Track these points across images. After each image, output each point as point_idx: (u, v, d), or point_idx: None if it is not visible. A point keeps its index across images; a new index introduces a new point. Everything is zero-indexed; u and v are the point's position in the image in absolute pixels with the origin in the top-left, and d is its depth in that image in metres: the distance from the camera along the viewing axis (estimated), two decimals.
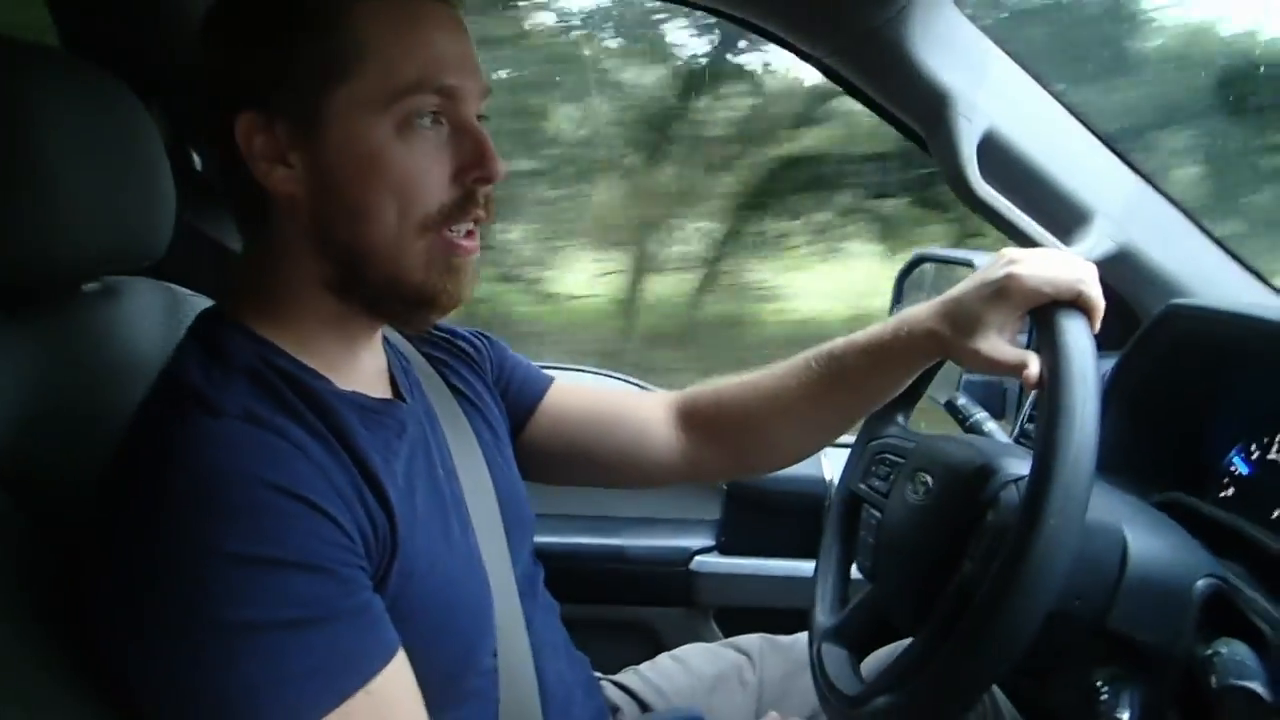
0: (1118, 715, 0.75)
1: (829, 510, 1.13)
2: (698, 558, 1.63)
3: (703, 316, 3.75)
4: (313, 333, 0.77)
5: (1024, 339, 0.95)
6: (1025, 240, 1.18)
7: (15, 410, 0.74)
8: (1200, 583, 0.78)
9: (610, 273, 3.76)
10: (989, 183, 1.16)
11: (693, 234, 3.79)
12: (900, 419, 1.10)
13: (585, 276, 3.83)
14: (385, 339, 0.89)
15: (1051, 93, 1.19)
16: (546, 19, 3.59)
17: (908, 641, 0.84)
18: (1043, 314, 0.81)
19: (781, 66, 3.66)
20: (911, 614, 0.89)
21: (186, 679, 0.61)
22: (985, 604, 0.69)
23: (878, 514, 1.02)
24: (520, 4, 3.45)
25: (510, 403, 1.04)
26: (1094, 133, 1.22)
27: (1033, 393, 0.88)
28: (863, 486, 1.08)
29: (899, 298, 1.54)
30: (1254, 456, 0.97)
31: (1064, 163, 1.19)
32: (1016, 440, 1.23)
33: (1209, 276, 1.22)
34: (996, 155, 1.16)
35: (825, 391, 0.99)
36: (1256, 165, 2.72)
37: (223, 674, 0.60)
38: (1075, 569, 0.69)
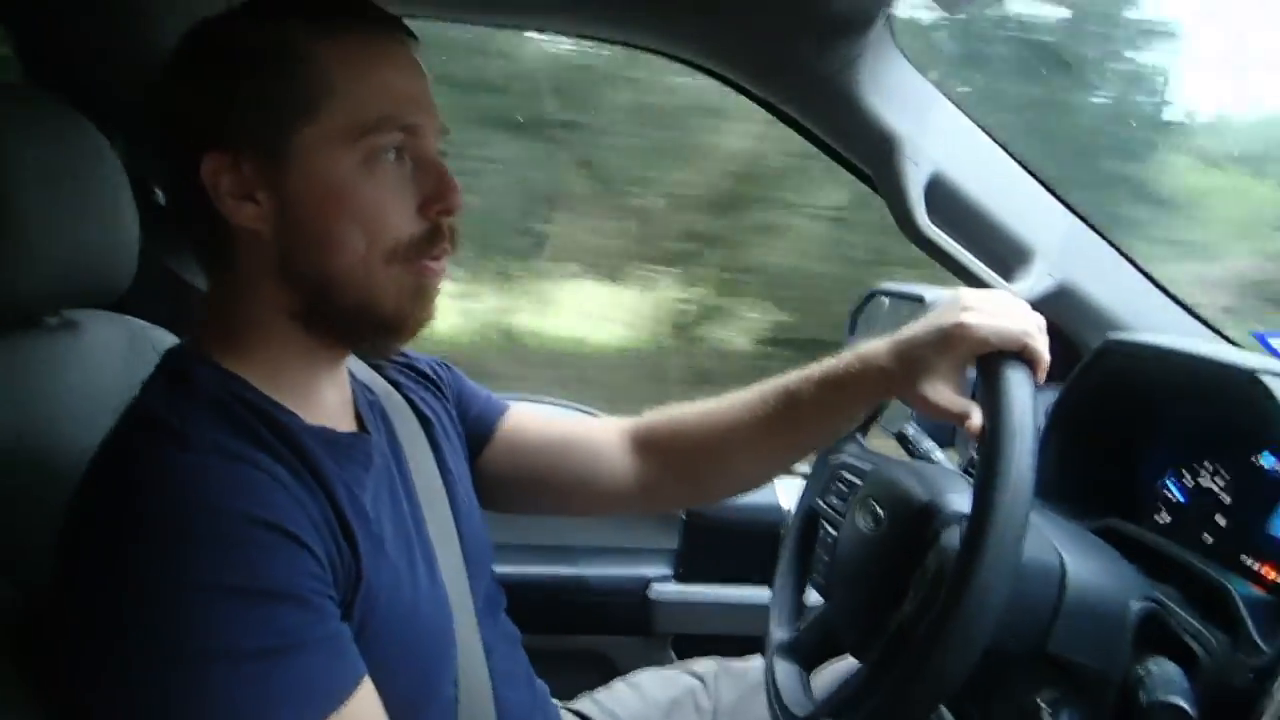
0: None
1: (785, 536, 1.16)
2: (655, 585, 1.65)
3: None
4: (280, 366, 0.78)
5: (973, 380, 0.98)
6: (970, 277, 1.23)
7: None
8: (1135, 605, 0.82)
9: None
10: (935, 223, 1.21)
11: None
12: (859, 437, 1.14)
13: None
14: (349, 371, 0.90)
15: (993, 138, 1.25)
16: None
17: (856, 664, 0.87)
18: (987, 364, 0.83)
19: None
20: (859, 639, 0.92)
21: (152, 709, 0.61)
22: (924, 645, 0.72)
23: (834, 531, 1.06)
24: None
25: (468, 430, 1.05)
26: (1033, 175, 1.27)
27: None
28: (821, 503, 1.11)
29: (852, 329, 1.59)
30: (1187, 483, 1.02)
31: (1006, 204, 1.25)
32: (965, 470, 1.27)
33: (1141, 310, 1.28)
34: (942, 197, 1.21)
35: (779, 422, 1.00)
36: None
37: (200, 704, 0.61)
38: (1013, 599, 0.72)
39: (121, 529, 0.63)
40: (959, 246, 1.22)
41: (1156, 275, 1.30)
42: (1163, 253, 2.77)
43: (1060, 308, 1.23)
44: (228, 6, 0.77)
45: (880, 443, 1.36)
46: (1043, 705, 0.80)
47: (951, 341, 0.86)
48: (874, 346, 0.94)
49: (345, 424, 0.84)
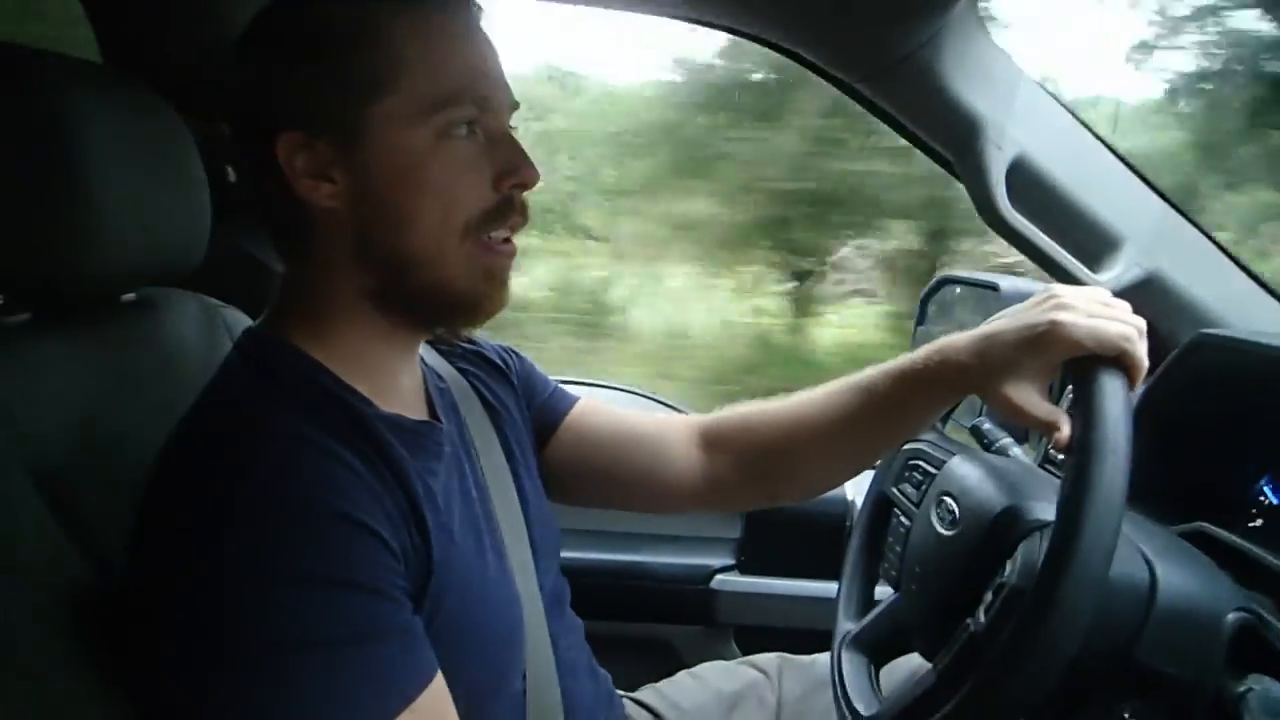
0: None
1: (852, 529, 1.14)
2: (718, 576, 1.63)
3: None
4: (356, 350, 0.78)
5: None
6: (1053, 266, 1.18)
7: (58, 418, 0.75)
8: (1230, 616, 0.78)
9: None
10: (1017, 209, 1.16)
11: None
12: (938, 425, 1.11)
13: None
14: (421, 358, 0.89)
15: (1080, 120, 1.19)
16: None
17: (926, 666, 0.85)
18: (1080, 369, 0.78)
19: None
20: (930, 640, 0.90)
21: (239, 696, 0.61)
22: (1001, 661, 0.69)
23: (907, 521, 1.03)
24: None
25: (535, 418, 1.04)
26: (1122, 159, 1.22)
27: None
28: (895, 491, 1.08)
29: (922, 319, 1.55)
30: None
31: (1093, 189, 1.19)
32: (1042, 464, 1.23)
33: (1237, 304, 1.21)
34: (1025, 182, 1.16)
35: (854, 420, 0.96)
36: None
37: (276, 692, 0.61)
38: (1099, 612, 0.69)
39: (203, 519, 0.63)
40: (1042, 234, 1.17)
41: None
42: None
43: (1149, 299, 1.17)
44: None
45: (953, 433, 1.33)
46: (1129, 717, 0.77)
47: (1042, 342, 0.81)
48: (955, 341, 0.89)
49: (417, 411, 0.84)
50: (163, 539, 0.65)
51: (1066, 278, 1.17)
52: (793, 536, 1.62)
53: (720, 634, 1.65)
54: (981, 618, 0.78)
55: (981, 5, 1.12)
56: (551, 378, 1.10)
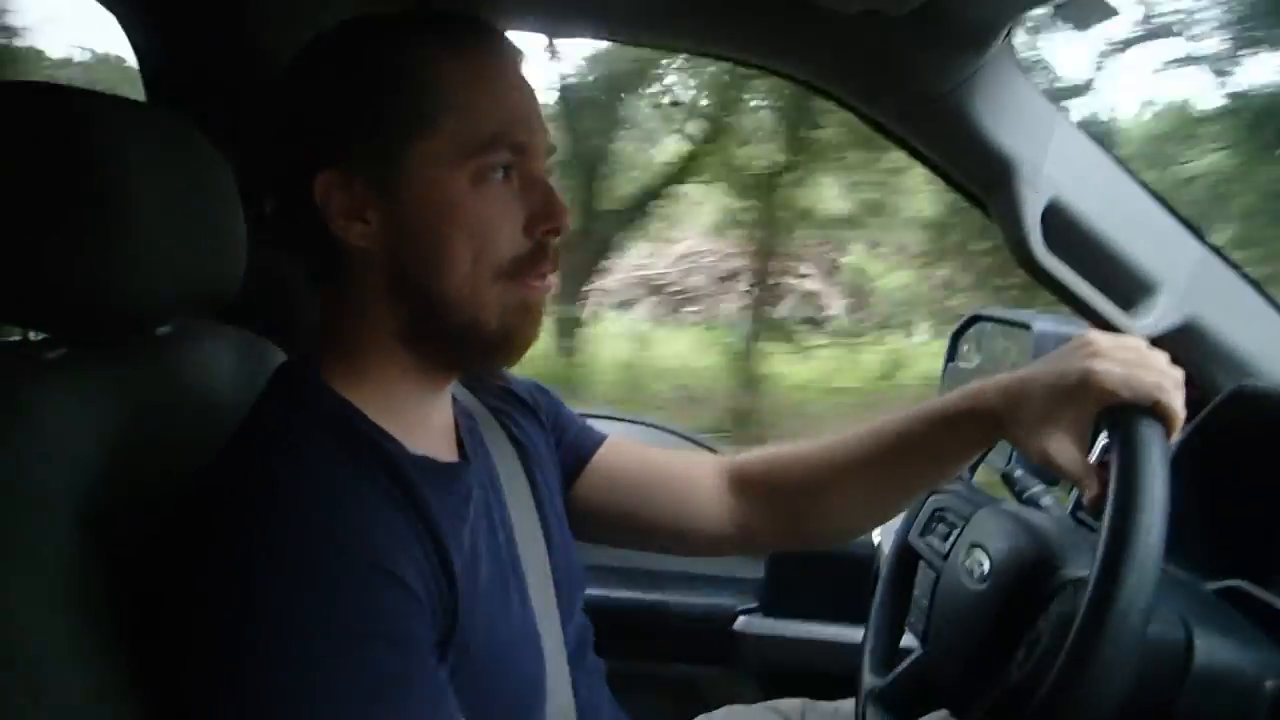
0: None
1: (878, 571, 1.12)
2: (742, 618, 1.61)
3: None
4: (389, 390, 0.78)
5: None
6: (1087, 311, 1.15)
7: (95, 452, 0.75)
8: (1269, 684, 0.75)
9: None
10: (1052, 251, 1.14)
11: None
12: (965, 474, 1.09)
13: None
14: (452, 395, 0.89)
15: (1119, 162, 1.17)
16: None
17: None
18: (1116, 419, 0.76)
19: None
20: (959, 697, 0.87)
21: None
22: None
23: (934, 574, 1.00)
24: None
25: (563, 457, 1.03)
26: (1160, 201, 1.19)
27: None
28: (920, 542, 1.06)
29: (952, 355, 1.53)
30: None
31: (1130, 232, 1.17)
32: (1073, 514, 1.20)
33: (1278, 354, 1.18)
34: (1060, 224, 1.14)
35: (883, 463, 0.95)
36: None
37: None
38: (1136, 671, 0.67)
39: (233, 563, 0.63)
40: (1077, 277, 1.14)
41: None
42: None
43: (1186, 346, 1.15)
44: (341, 22, 0.77)
45: (981, 476, 1.30)
46: None
47: (1076, 390, 0.79)
48: (987, 386, 0.87)
49: (447, 452, 0.83)
50: (192, 580, 0.65)
51: (1102, 323, 1.14)
52: (818, 579, 1.59)
53: (743, 676, 1.63)
54: (1015, 675, 0.76)
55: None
56: (578, 412, 1.09)
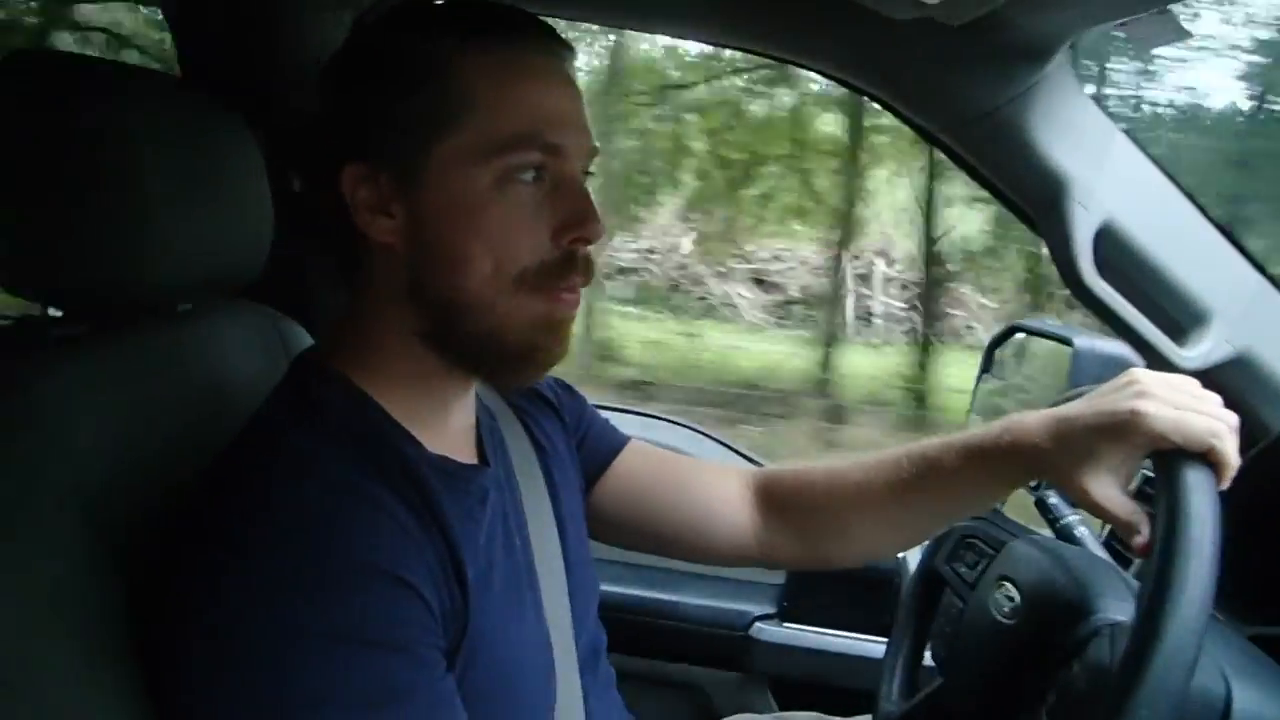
0: None
1: (902, 588, 1.09)
2: (758, 624, 1.58)
3: None
4: (409, 387, 0.76)
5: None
6: (1135, 339, 1.11)
7: (109, 432, 0.74)
8: None
9: None
10: (1102, 275, 1.10)
11: None
12: (996, 502, 1.06)
13: None
14: (475, 394, 0.87)
15: (1178, 184, 1.13)
16: None
17: None
18: (1165, 463, 0.73)
19: None
20: None
21: None
22: None
23: (960, 603, 0.98)
24: None
25: (584, 459, 1.01)
26: (1218, 226, 1.15)
27: None
28: (947, 569, 1.03)
29: (987, 367, 1.49)
30: None
31: (1183, 258, 1.12)
32: (1107, 543, 1.17)
33: None
34: (1111, 247, 1.10)
35: (914, 491, 0.92)
36: None
37: None
38: None
39: (238, 563, 0.62)
40: (1126, 304, 1.10)
41: None
42: None
43: (1237, 380, 1.11)
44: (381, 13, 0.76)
45: (1012, 498, 1.27)
46: None
47: (1124, 431, 0.75)
48: (1027, 420, 0.84)
49: (466, 453, 0.82)
50: (195, 576, 0.63)
51: (1150, 353, 1.10)
52: (839, 588, 1.56)
53: (756, 683, 1.60)
54: (1044, 718, 0.74)
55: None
56: (603, 410, 1.07)
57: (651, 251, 8.43)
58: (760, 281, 8.36)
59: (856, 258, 7.98)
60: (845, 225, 7.68)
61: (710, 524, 1.02)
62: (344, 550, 0.63)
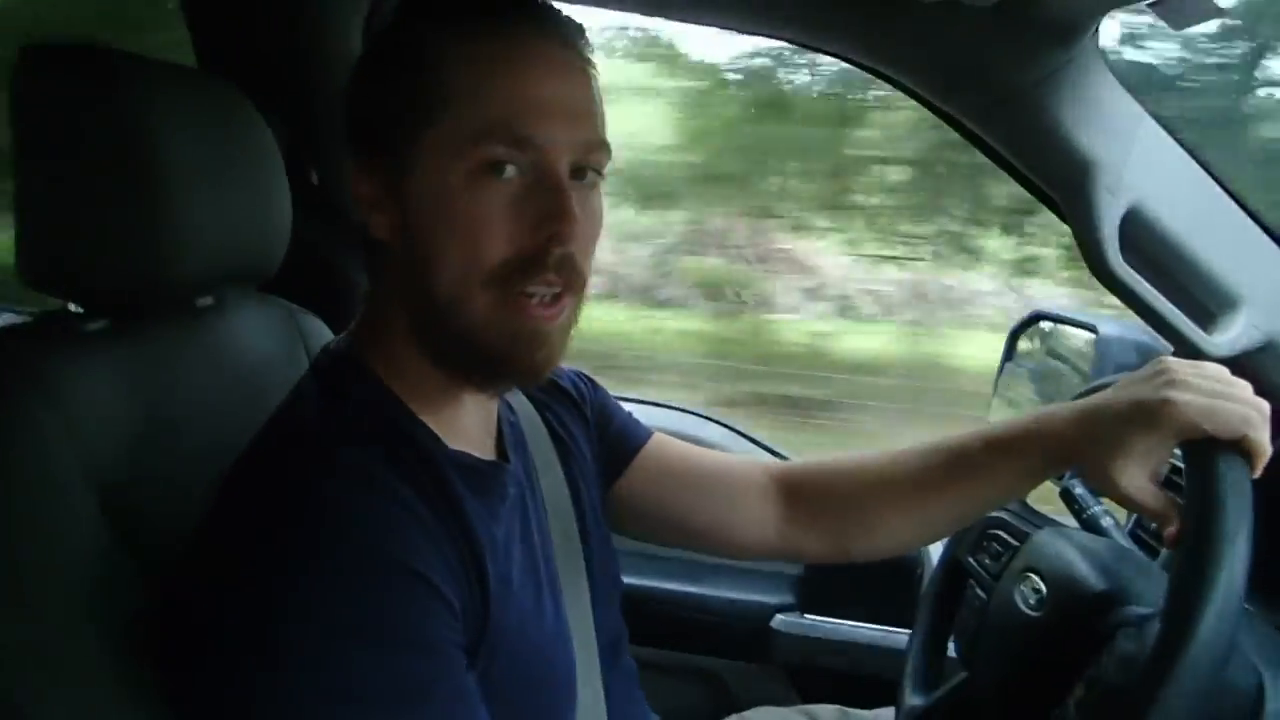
0: None
1: (924, 579, 1.08)
2: (779, 615, 1.58)
3: None
4: (424, 382, 0.75)
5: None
6: (1162, 325, 1.09)
7: (130, 427, 0.74)
8: None
9: None
10: (1128, 260, 1.08)
11: None
12: (1023, 495, 1.04)
13: None
14: None
15: (1208, 169, 1.10)
16: None
17: None
18: (1196, 453, 0.72)
19: None
20: None
21: None
22: None
23: (983, 595, 0.97)
24: None
25: (605, 452, 1.00)
26: (1250, 214, 1.12)
27: None
28: (970, 560, 1.02)
29: (1010, 355, 1.47)
30: None
31: (1212, 243, 1.10)
32: (1132, 533, 1.15)
33: None
34: (1138, 232, 1.07)
35: (939, 484, 0.91)
36: None
37: None
38: (1205, 717, 0.63)
39: (263, 557, 0.62)
40: (1153, 290, 1.08)
41: None
42: None
43: (1268, 367, 1.09)
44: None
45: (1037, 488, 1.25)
46: None
47: (1154, 421, 0.74)
48: (1055, 411, 0.83)
49: (486, 449, 0.81)
50: (219, 570, 0.63)
51: (1177, 339, 1.08)
52: (859, 579, 1.55)
53: (777, 674, 1.59)
54: (1071, 711, 0.73)
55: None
56: (625, 401, 1.06)
57: None
58: None
59: None
60: None
61: (733, 518, 1.01)
62: (367, 546, 0.62)
